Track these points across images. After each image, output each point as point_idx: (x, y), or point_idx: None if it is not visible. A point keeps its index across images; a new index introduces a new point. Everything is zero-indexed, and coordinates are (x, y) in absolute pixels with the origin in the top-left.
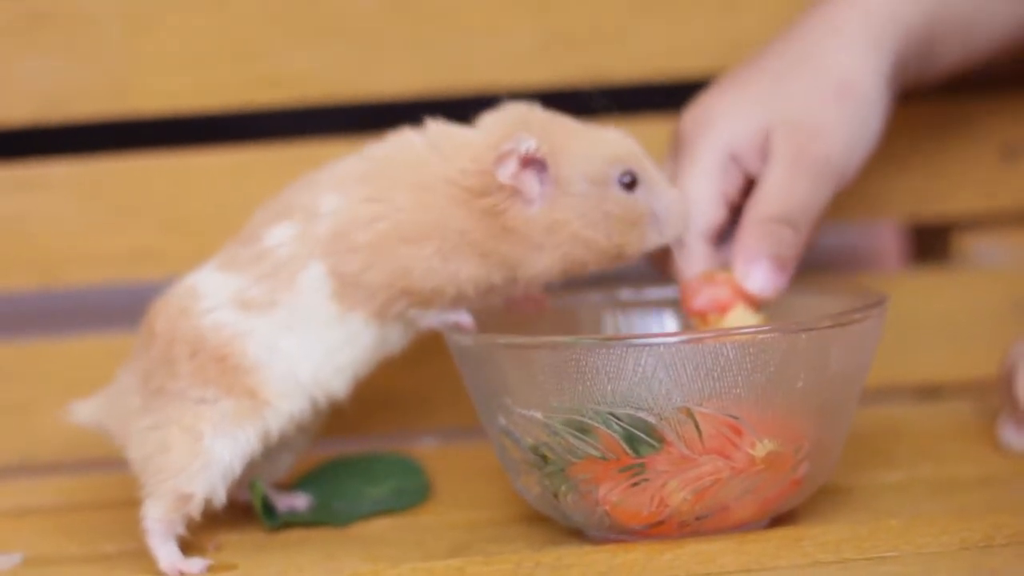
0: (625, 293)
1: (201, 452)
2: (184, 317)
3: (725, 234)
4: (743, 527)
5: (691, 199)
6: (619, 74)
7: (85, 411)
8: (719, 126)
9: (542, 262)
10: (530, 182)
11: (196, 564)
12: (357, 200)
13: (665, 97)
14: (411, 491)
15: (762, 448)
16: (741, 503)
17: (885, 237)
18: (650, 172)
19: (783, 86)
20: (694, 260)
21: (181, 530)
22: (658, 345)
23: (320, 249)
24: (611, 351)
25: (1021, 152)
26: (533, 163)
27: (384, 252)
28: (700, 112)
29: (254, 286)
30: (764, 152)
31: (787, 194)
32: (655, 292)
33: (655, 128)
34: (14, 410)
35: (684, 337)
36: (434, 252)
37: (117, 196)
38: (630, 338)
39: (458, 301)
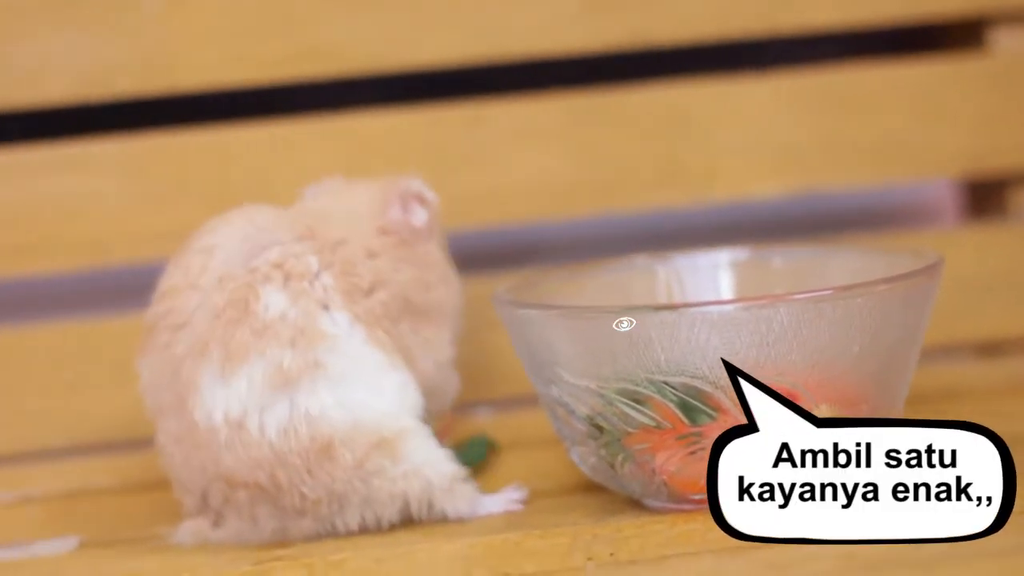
0: (679, 258)
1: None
2: None
3: None
4: None
5: None
6: (662, 36)
7: None
8: None
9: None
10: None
11: (513, 491)
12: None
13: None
14: (475, 444)
15: (820, 413)
16: None
17: (941, 194)
18: None
19: None
20: None
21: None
22: (712, 312)
23: None
24: (664, 319)
25: None
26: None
27: None
28: None
29: None
30: None
31: None
32: (708, 257)
33: (703, 90)
34: (63, 391)
35: (738, 304)
36: None
37: (160, 173)
38: (683, 306)
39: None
